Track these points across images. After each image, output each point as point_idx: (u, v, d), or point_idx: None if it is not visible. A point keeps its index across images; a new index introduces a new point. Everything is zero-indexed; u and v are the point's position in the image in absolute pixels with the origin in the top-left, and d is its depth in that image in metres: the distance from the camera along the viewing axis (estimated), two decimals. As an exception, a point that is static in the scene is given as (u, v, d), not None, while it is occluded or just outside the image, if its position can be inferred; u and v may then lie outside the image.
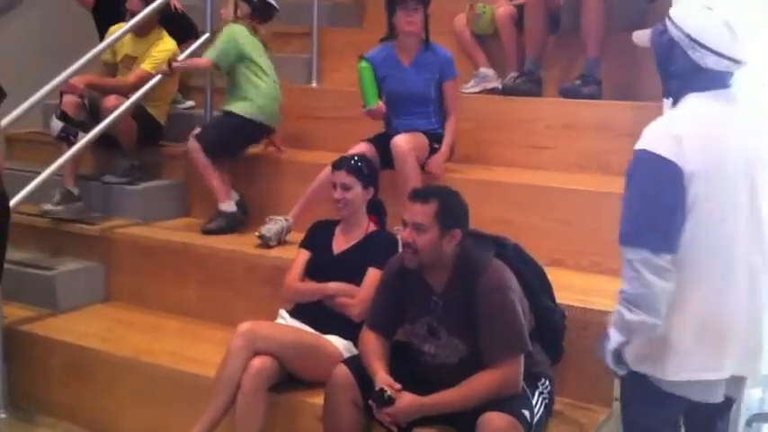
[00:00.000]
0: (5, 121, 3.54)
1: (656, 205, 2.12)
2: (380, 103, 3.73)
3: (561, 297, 2.94)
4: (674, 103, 2.30)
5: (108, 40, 4.22)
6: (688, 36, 2.20)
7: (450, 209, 2.64)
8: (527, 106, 4.16)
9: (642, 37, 2.35)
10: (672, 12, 2.28)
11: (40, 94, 3.80)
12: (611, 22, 4.09)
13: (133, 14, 4.31)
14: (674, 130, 2.16)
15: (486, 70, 4.54)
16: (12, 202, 3.58)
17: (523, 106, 4.17)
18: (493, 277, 2.60)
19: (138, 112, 4.28)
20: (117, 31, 4.39)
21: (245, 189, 4.20)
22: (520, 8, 4.39)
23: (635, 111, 3.86)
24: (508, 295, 2.58)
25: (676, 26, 2.22)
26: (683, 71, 2.23)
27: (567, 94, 4.11)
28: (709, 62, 2.20)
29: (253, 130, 4.14)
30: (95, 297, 4.06)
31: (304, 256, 3.29)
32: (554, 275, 2.96)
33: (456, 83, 3.90)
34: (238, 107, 4.08)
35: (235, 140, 4.11)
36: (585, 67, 4.11)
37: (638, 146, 2.18)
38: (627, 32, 4.05)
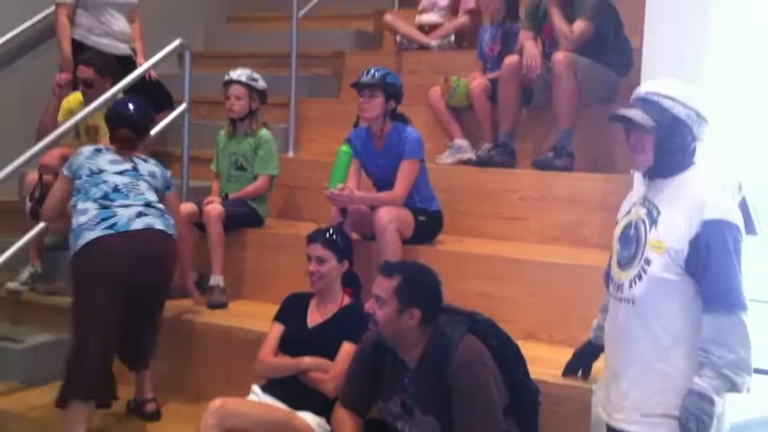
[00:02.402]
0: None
1: (740, 269, 2.30)
2: (335, 192, 3.64)
3: (536, 372, 2.93)
4: (663, 175, 2.39)
5: (78, 116, 4.17)
6: (697, 113, 2.34)
7: (412, 287, 2.64)
8: (501, 178, 4.22)
9: (643, 117, 2.38)
10: (669, 90, 2.36)
11: (13, 166, 3.78)
12: (582, 96, 4.18)
13: (85, 82, 4.32)
14: (733, 200, 2.38)
15: (460, 142, 4.61)
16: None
17: (498, 177, 4.23)
18: (466, 353, 2.59)
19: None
20: (73, 101, 4.43)
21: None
22: (494, 82, 4.47)
23: (607, 183, 3.93)
24: (481, 372, 2.57)
25: (683, 104, 2.34)
26: (685, 145, 2.36)
27: (541, 165, 4.17)
28: (704, 134, 2.38)
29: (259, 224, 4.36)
30: (66, 370, 3.99)
31: (278, 329, 3.27)
32: (528, 349, 2.96)
33: (412, 164, 3.75)
34: (262, 210, 4.34)
35: (242, 226, 4.25)
36: (558, 140, 4.19)
37: (719, 216, 2.28)
38: (598, 106, 4.22)
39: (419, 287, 2.65)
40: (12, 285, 4.10)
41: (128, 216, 3.32)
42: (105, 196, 3.36)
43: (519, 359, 2.85)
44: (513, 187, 4.16)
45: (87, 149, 3.52)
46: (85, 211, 3.31)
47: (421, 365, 2.66)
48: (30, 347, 3.91)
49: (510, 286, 3.61)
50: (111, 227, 3.28)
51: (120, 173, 3.44)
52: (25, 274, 4.15)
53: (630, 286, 2.40)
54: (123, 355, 3.48)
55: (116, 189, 3.38)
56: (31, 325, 4.11)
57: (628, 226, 2.46)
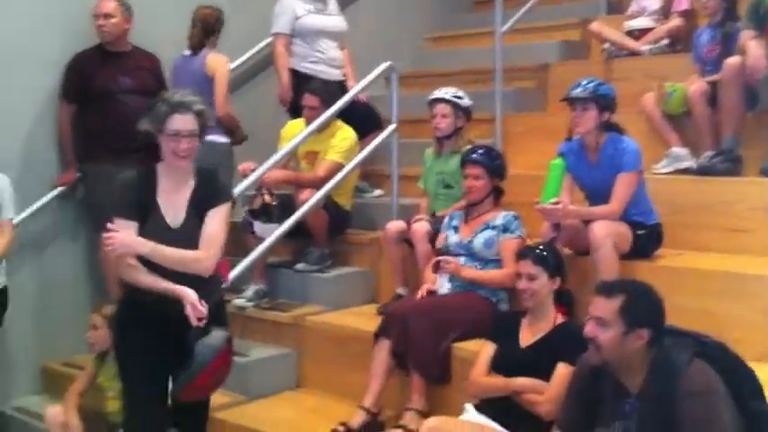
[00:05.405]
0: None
1: None
2: (548, 207, 3.53)
3: (773, 399, 2.69)
4: None
5: (298, 137, 4.40)
6: None
7: (637, 306, 2.50)
8: (725, 187, 3.96)
9: None
10: None
11: (238, 189, 4.04)
12: (818, 96, 3.83)
13: (310, 109, 4.50)
14: None
15: (678, 150, 4.36)
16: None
17: (721, 187, 3.96)
18: (695, 380, 2.42)
19: (327, 202, 4.44)
20: (294, 127, 4.63)
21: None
22: (713, 85, 4.21)
23: None
24: (713, 401, 2.39)
25: None
26: None
27: (771, 173, 3.87)
28: None
29: None
30: (287, 384, 4.19)
31: (490, 349, 3.24)
32: (763, 373, 2.71)
33: (630, 176, 3.60)
34: None
35: None
36: (790, 145, 3.87)
37: None
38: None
39: (646, 306, 2.52)
40: (238, 302, 4.37)
41: None
42: None
43: (755, 386, 2.61)
44: (739, 197, 3.87)
45: None
46: None
47: (644, 392, 2.51)
48: (253, 361, 4.13)
49: (736, 304, 3.36)
50: None
51: None
52: (250, 291, 4.40)
53: None
54: None
55: None
56: (254, 340, 4.34)
57: None
